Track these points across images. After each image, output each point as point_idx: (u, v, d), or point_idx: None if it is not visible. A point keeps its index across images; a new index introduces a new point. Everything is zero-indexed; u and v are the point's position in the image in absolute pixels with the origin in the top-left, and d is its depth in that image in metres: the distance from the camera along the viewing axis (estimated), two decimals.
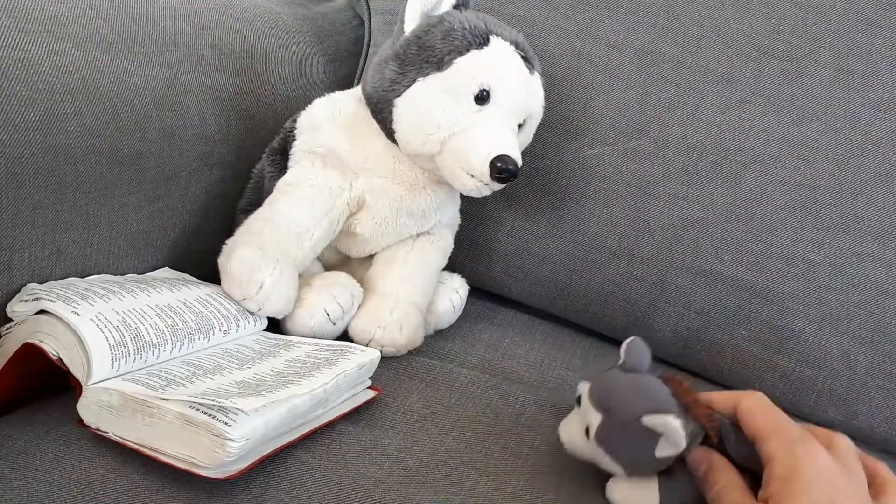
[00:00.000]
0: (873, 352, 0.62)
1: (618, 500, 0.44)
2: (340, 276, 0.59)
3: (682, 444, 0.39)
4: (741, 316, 0.64)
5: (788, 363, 0.64)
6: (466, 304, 0.67)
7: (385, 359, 0.55)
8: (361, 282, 0.61)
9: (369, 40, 0.82)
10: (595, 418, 0.42)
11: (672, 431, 0.39)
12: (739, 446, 0.41)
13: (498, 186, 0.55)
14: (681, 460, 0.41)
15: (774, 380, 0.64)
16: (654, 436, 0.40)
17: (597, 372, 0.44)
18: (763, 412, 0.40)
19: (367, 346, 0.55)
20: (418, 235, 0.63)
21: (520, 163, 0.55)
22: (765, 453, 0.38)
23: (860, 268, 0.62)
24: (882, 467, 0.40)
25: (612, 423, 0.41)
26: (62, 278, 0.50)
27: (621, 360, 0.44)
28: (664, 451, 0.40)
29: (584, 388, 0.44)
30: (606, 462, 0.42)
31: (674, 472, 0.42)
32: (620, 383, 0.42)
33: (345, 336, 0.58)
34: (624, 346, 0.45)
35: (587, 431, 0.43)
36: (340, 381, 0.47)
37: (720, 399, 0.42)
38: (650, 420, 0.39)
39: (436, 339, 0.63)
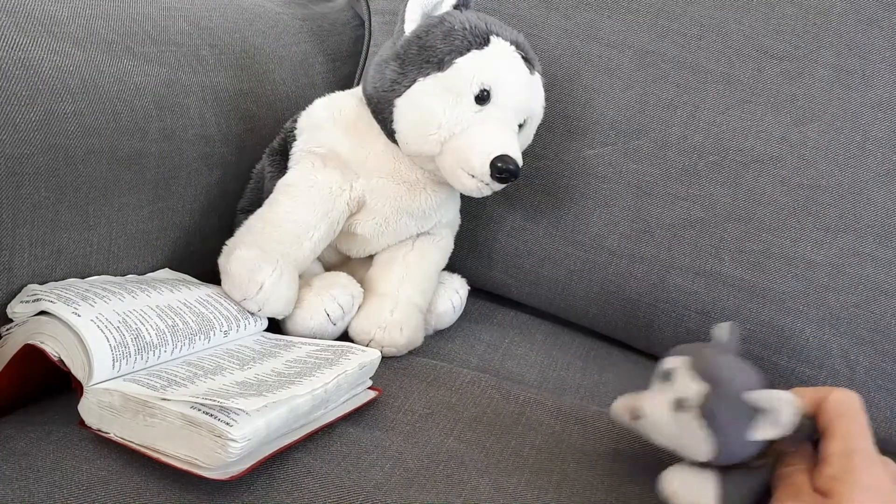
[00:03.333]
0: (873, 352, 0.62)
1: (675, 488, 0.42)
2: (340, 277, 0.59)
3: (786, 423, 0.38)
4: (741, 316, 0.65)
5: (788, 363, 0.64)
6: (466, 304, 0.67)
7: (385, 359, 0.55)
8: (361, 282, 0.60)
9: (369, 40, 0.82)
10: (699, 389, 0.40)
11: (781, 406, 0.38)
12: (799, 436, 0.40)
13: (498, 186, 0.55)
14: (753, 463, 0.41)
15: (774, 380, 0.64)
16: (754, 415, 0.39)
17: (692, 349, 0.43)
18: (842, 411, 0.39)
19: (367, 346, 0.55)
20: (418, 236, 0.63)
21: (520, 163, 0.55)
22: (824, 450, 0.38)
23: (860, 268, 0.62)
24: None
25: (720, 395, 0.40)
26: (62, 279, 0.50)
27: (718, 341, 0.44)
28: (762, 430, 0.39)
29: (677, 361, 0.42)
30: (697, 438, 0.40)
31: (734, 472, 0.41)
32: (726, 358, 0.42)
33: (345, 336, 0.58)
34: (723, 326, 0.44)
35: (677, 405, 0.41)
36: (341, 381, 0.47)
37: (810, 394, 0.42)
38: (760, 395, 0.39)
39: (436, 340, 0.63)
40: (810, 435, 0.40)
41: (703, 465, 0.41)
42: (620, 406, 0.46)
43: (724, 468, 0.41)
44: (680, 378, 0.42)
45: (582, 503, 0.45)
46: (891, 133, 0.62)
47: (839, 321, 0.62)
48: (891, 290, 0.61)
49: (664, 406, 0.42)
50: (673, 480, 0.42)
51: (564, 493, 0.45)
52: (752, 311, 0.64)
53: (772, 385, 0.41)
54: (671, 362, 0.43)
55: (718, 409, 0.39)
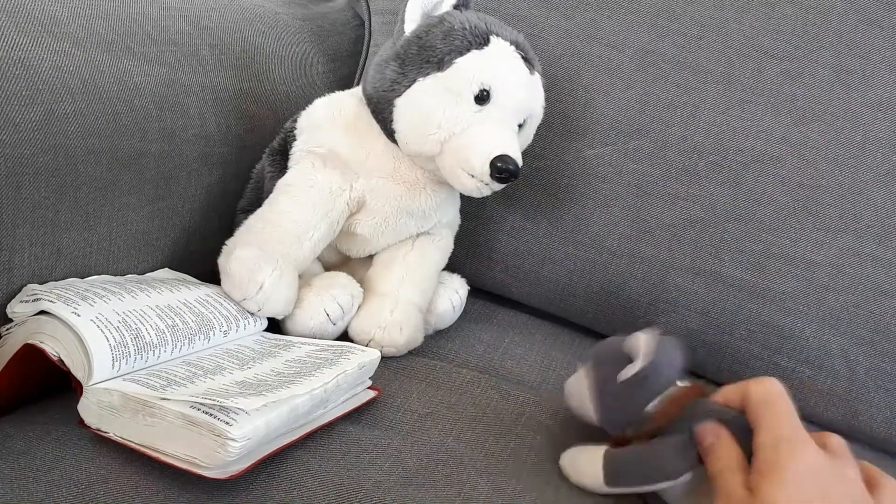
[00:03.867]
0: (873, 352, 0.62)
1: (566, 465, 0.46)
2: (340, 277, 0.59)
3: (643, 356, 0.41)
4: (741, 316, 0.64)
5: (788, 363, 0.64)
6: (466, 304, 0.67)
7: (385, 359, 0.55)
8: (361, 282, 0.60)
9: (369, 40, 0.82)
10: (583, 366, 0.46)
11: (635, 342, 0.42)
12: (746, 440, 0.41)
13: (498, 186, 0.55)
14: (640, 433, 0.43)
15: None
16: (622, 362, 0.43)
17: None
18: (764, 400, 0.40)
19: (366, 346, 0.55)
20: (418, 236, 0.63)
21: (520, 163, 0.55)
22: (754, 443, 0.38)
23: (860, 268, 0.62)
24: (867, 465, 0.40)
25: (598, 352, 0.45)
26: (62, 278, 0.50)
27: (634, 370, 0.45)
28: (627, 369, 0.42)
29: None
30: (585, 398, 0.46)
31: (626, 448, 0.43)
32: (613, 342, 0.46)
33: (345, 336, 0.58)
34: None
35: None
36: (341, 380, 0.47)
37: (732, 389, 0.42)
38: (624, 340, 0.43)
39: (436, 340, 0.63)
40: (740, 424, 0.41)
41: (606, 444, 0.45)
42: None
43: (616, 444, 0.44)
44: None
45: (581, 503, 0.45)
46: (891, 133, 0.62)
47: (839, 321, 0.62)
48: (891, 290, 0.61)
49: (572, 378, 0.48)
50: (566, 457, 0.46)
51: (563, 494, 0.45)
52: (752, 311, 0.64)
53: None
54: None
55: (591, 354, 0.46)
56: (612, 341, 0.46)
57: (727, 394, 0.42)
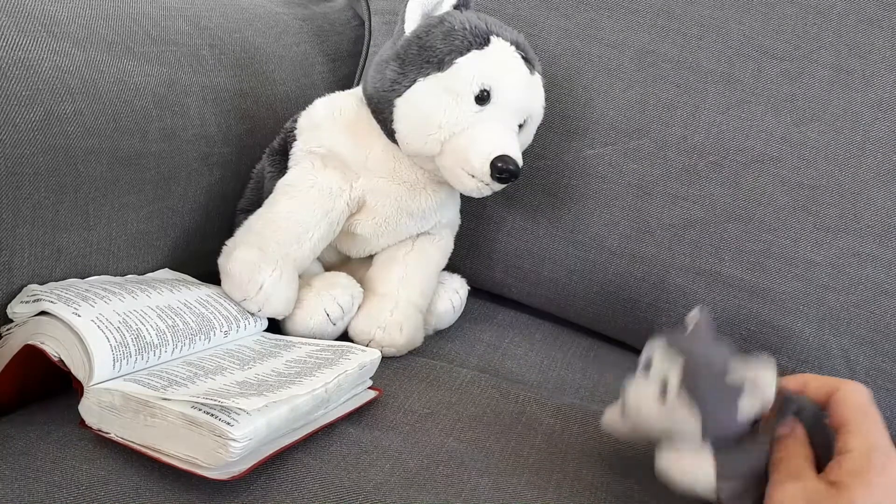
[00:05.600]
0: (873, 352, 0.62)
1: (670, 468, 0.41)
2: (340, 277, 0.59)
3: (769, 394, 0.39)
4: (741, 316, 0.65)
5: (788, 363, 0.64)
6: (466, 304, 0.67)
7: (385, 359, 0.55)
8: (361, 282, 0.60)
9: (369, 40, 0.82)
10: (677, 365, 0.40)
11: (761, 381, 0.39)
12: (817, 433, 0.40)
13: (498, 187, 0.55)
14: (745, 439, 0.40)
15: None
16: (736, 391, 0.39)
17: (667, 335, 0.43)
18: (859, 406, 0.40)
19: (367, 346, 0.55)
20: (418, 236, 0.63)
21: (520, 163, 0.55)
22: (843, 444, 0.38)
23: (860, 268, 0.62)
24: None
25: (697, 365, 0.40)
26: (62, 279, 0.50)
27: (689, 324, 0.43)
28: (748, 405, 0.39)
29: (651, 347, 0.43)
30: (684, 416, 0.40)
31: (730, 451, 0.41)
32: (696, 334, 0.42)
33: (345, 336, 0.58)
34: (694, 312, 0.44)
35: (662, 388, 0.41)
36: (342, 381, 0.47)
37: (816, 383, 0.42)
38: (738, 367, 0.39)
39: (436, 340, 0.63)
40: (816, 417, 0.40)
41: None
42: (609, 414, 0.46)
43: (719, 448, 0.40)
44: (657, 362, 0.42)
45: (582, 503, 0.45)
46: (891, 133, 0.62)
47: (839, 321, 0.62)
48: (891, 290, 0.61)
49: (647, 394, 0.42)
50: (669, 460, 0.42)
51: (564, 493, 0.45)
52: (752, 311, 0.64)
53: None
54: (647, 350, 0.43)
55: (698, 379, 0.40)
56: (703, 348, 0.41)
57: (809, 382, 0.42)
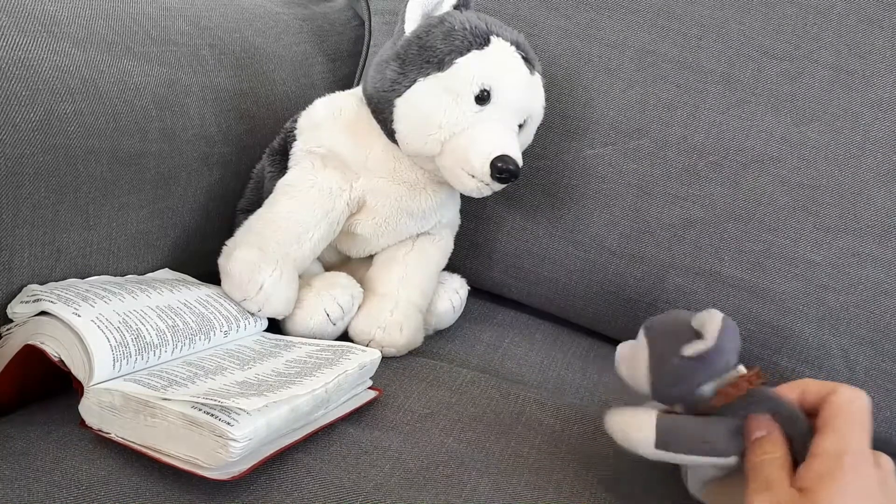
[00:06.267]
0: (873, 352, 0.62)
1: (614, 425, 0.43)
2: (340, 277, 0.59)
3: (713, 335, 0.40)
4: (741, 316, 0.64)
5: (788, 363, 0.64)
6: (466, 304, 0.67)
7: (385, 359, 0.55)
8: (361, 282, 0.60)
9: (369, 40, 0.82)
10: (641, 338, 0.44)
11: (706, 326, 0.40)
12: (796, 437, 0.40)
13: (498, 187, 0.55)
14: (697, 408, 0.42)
15: (774, 380, 0.64)
16: (683, 334, 0.42)
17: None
18: (845, 409, 0.39)
19: (367, 346, 0.55)
20: (418, 236, 0.63)
21: (520, 163, 0.55)
22: (815, 446, 0.38)
23: (860, 268, 0.62)
24: None
25: (660, 319, 0.44)
26: (62, 279, 0.50)
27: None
28: (693, 346, 0.41)
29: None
30: (640, 362, 0.44)
31: (681, 416, 0.42)
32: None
33: (345, 336, 0.58)
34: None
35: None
36: (342, 381, 0.47)
37: (815, 387, 0.41)
38: (692, 316, 0.42)
39: (436, 340, 0.64)
40: (793, 419, 0.40)
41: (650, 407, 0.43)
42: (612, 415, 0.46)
43: (668, 412, 0.43)
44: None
45: (582, 503, 0.45)
46: (891, 133, 0.62)
47: (839, 321, 0.62)
48: (891, 290, 0.61)
49: (628, 343, 0.46)
50: (614, 416, 0.44)
51: (564, 493, 0.45)
52: (752, 311, 0.64)
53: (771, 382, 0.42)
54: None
55: (655, 324, 0.44)
56: (679, 314, 0.44)
57: (808, 387, 0.41)
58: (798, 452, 0.39)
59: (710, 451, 0.40)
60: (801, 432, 0.40)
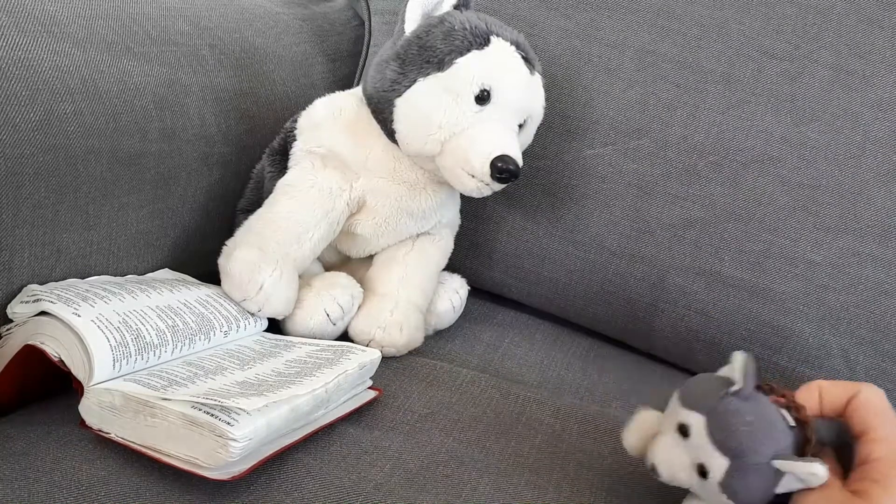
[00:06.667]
0: (873, 352, 0.62)
1: None
2: (340, 277, 0.59)
3: (814, 483, 0.37)
4: (741, 316, 0.65)
5: (788, 363, 0.64)
6: (466, 304, 0.67)
7: (385, 359, 0.55)
8: (361, 282, 0.60)
9: (369, 40, 0.82)
10: (719, 463, 0.38)
11: (806, 475, 0.36)
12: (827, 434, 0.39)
13: (498, 187, 0.55)
14: None
15: (775, 380, 0.64)
16: (780, 474, 0.37)
17: (709, 402, 0.39)
18: (880, 411, 0.39)
19: (367, 346, 0.55)
20: (418, 236, 0.63)
21: (520, 163, 0.55)
22: (868, 452, 0.37)
23: (860, 268, 0.62)
24: None
25: (740, 468, 0.37)
26: (62, 279, 0.50)
27: (738, 387, 0.38)
28: (787, 486, 0.37)
29: (694, 418, 0.39)
30: (719, 501, 0.38)
31: None
32: (744, 421, 0.38)
33: (345, 336, 0.58)
34: (741, 366, 0.38)
35: (699, 470, 0.39)
36: (342, 381, 0.47)
37: (833, 389, 0.40)
38: (783, 465, 0.36)
39: (436, 340, 0.64)
40: (840, 437, 0.39)
41: None
42: (634, 441, 0.43)
43: None
44: (698, 439, 0.39)
45: (582, 503, 0.45)
46: (891, 133, 0.62)
47: (839, 321, 0.62)
48: (891, 290, 0.61)
49: (683, 466, 0.40)
50: None
51: (564, 493, 0.45)
52: (752, 311, 0.64)
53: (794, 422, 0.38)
54: (688, 417, 0.39)
55: (739, 483, 0.37)
56: (753, 447, 0.37)
57: (826, 389, 0.40)
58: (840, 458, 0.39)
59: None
60: (832, 438, 0.39)
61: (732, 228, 0.64)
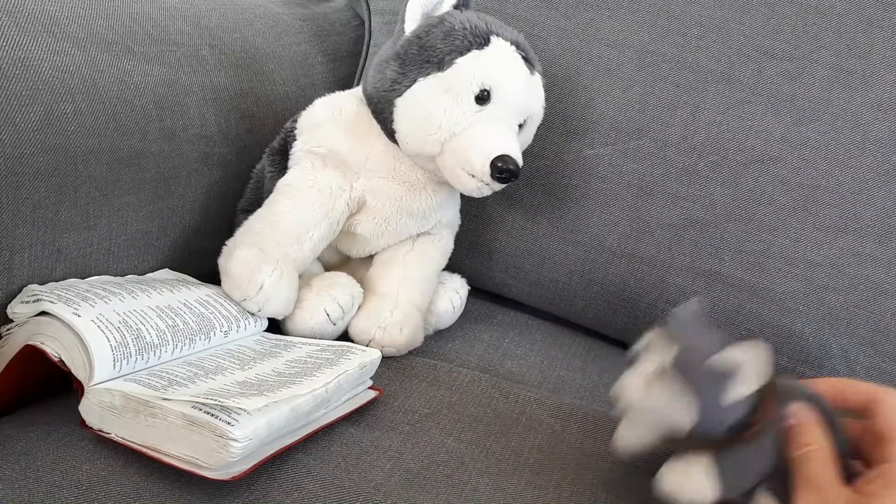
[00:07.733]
0: (873, 352, 0.62)
1: (670, 487, 0.40)
2: (340, 277, 0.59)
3: (756, 377, 0.38)
4: (741, 316, 0.65)
5: (788, 363, 0.64)
6: (466, 304, 0.67)
7: (385, 359, 0.55)
8: (361, 282, 0.60)
9: (369, 40, 0.82)
10: (671, 351, 0.40)
11: (752, 365, 0.38)
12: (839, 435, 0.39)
13: (498, 186, 0.55)
14: (743, 433, 0.39)
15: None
16: (724, 376, 0.38)
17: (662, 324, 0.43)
18: None
19: (367, 346, 0.55)
20: (418, 236, 0.63)
21: (520, 163, 0.55)
22: (888, 453, 0.37)
23: (860, 268, 0.62)
24: None
25: (688, 351, 0.39)
26: (62, 279, 0.50)
27: (679, 315, 0.42)
28: (736, 389, 0.38)
29: (644, 339, 0.43)
30: (677, 402, 0.39)
31: (729, 451, 0.39)
32: (690, 322, 0.41)
33: (345, 336, 0.58)
34: (684, 306, 0.42)
35: (652, 376, 0.41)
36: (342, 380, 0.47)
37: (855, 388, 0.41)
38: (724, 357, 0.38)
39: (436, 340, 0.63)
40: (826, 413, 0.39)
41: (696, 451, 0.40)
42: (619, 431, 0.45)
43: (717, 449, 0.39)
44: (650, 352, 0.42)
45: (582, 503, 0.45)
46: (891, 133, 0.62)
47: (839, 321, 0.62)
48: (891, 290, 0.61)
49: (639, 381, 0.42)
50: (668, 476, 0.40)
51: (564, 493, 0.45)
52: (752, 311, 0.64)
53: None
54: (639, 343, 0.43)
55: (690, 363, 0.39)
56: (702, 348, 0.40)
57: (848, 388, 0.41)
58: (836, 448, 0.38)
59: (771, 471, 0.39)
60: (839, 428, 0.39)
61: (732, 228, 0.64)
